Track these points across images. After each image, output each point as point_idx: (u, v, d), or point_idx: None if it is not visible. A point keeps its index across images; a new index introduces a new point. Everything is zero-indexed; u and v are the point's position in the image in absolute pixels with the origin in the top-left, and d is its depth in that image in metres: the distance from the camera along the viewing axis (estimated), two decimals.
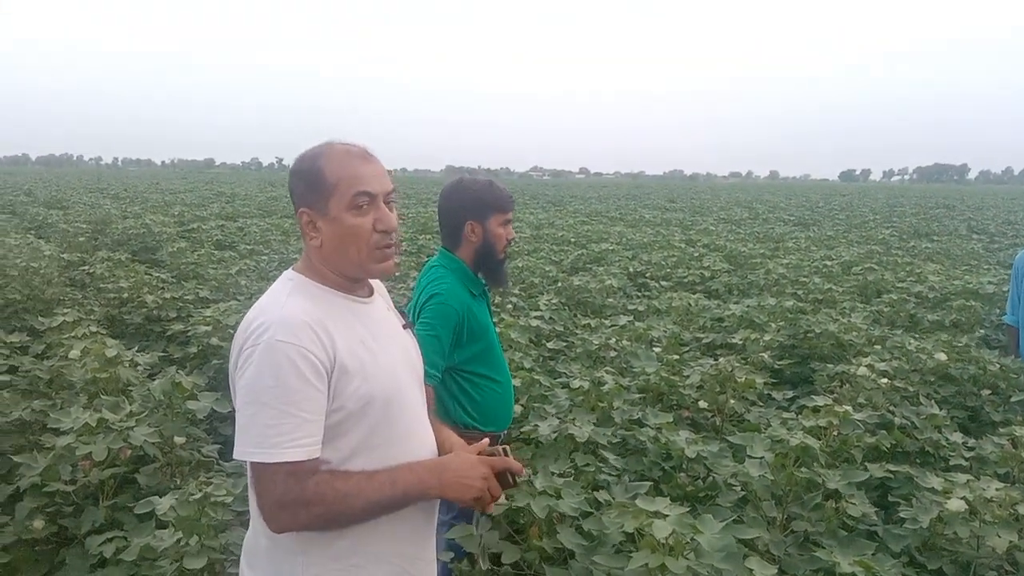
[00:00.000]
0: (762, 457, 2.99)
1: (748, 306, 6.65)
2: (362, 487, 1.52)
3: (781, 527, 2.90)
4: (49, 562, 3.19)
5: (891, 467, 3.30)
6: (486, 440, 1.86)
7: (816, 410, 3.44)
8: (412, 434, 1.69)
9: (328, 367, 1.53)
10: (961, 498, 2.67)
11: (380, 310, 1.77)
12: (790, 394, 4.83)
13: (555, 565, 2.53)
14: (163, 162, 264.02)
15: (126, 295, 7.01)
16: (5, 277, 7.66)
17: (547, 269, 8.97)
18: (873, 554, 2.50)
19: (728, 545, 2.11)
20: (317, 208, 1.61)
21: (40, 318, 6.19)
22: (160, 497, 2.73)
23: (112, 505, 3.19)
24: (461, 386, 2.73)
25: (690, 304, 6.96)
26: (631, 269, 10.02)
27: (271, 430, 1.47)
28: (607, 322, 6.19)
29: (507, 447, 1.76)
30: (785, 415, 3.87)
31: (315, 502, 1.48)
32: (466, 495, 1.62)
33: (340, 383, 1.55)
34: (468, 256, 2.79)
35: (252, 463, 1.51)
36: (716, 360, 4.53)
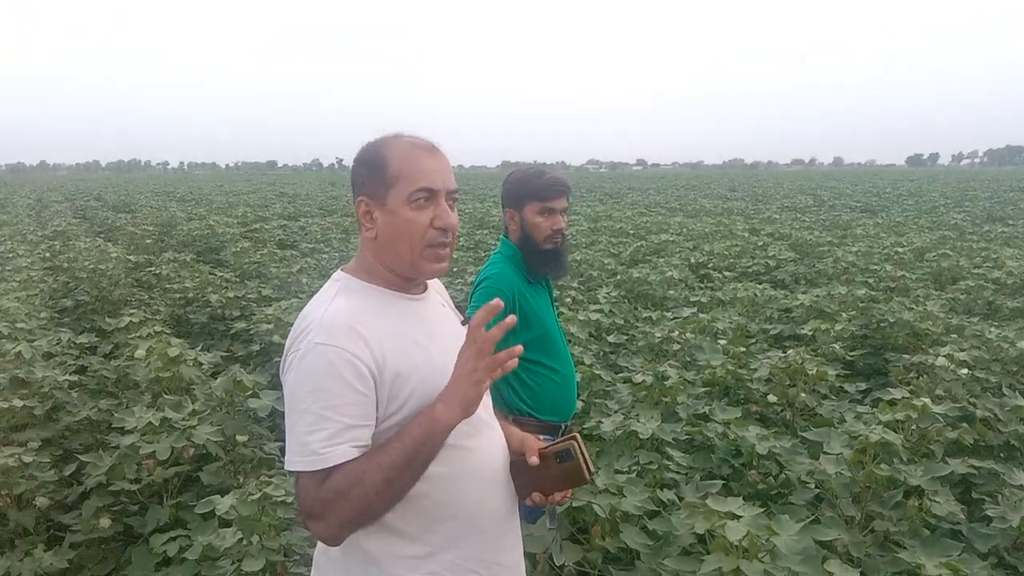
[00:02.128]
0: (839, 453, 2.86)
1: (817, 295, 6.44)
2: (371, 458, 1.43)
3: (860, 527, 2.77)
4: (116, 560, 3.23)
5: (974, 462, 3.14)
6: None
7: (892, 403, 3.29)
8: (478, 432, 1.59)
9: (375, 370, 1.46)
10: None
11: (435, 307, 1.69)
12: (864, 386, 4.65)
13: (619, 566, 2.45)
14: (227, 165, 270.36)
15: (191, 295, 7.14)
16: (75, 279, 7.89)
17: (605, 262, 8.84)
18: (959, 555, 2.36)
19: (807, 547, 2.01)
20: (376, 198, 1.55)
21: (108, 319, 6.35)
22: (222, 496, 2.73)
23: (176, 504, 3.21)
24: (516, 372, 2.67)
25: (756, 294, 6.78)
26: (692, 260, 9.82)
27: (308, 436, 1.41)
28: (669, 314, 6.06)
29: (576, 434, 1.65)
30: (860, 409, 3.71)
31: (334, 499, 1.40)
32: (475, 386, 1.45)
33: (395, 385, 1.48)
34: (517, 244, 2.78)
35: (295, 473, 1.45)
36: (785, 352, 4.38)
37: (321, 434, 1.40)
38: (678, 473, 2.99)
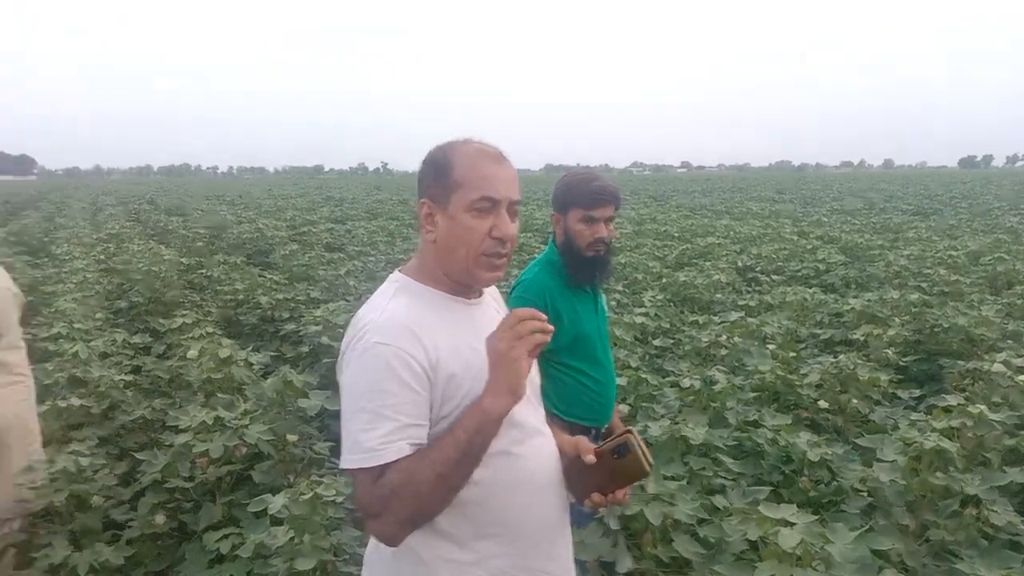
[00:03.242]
0: (893, 461, 2.81)
1: (868, 300, 6.33)
2: (424, 454, 1.43)
3: (915, 536, 2.71)
4: (171, 556, 3.29)
5: None
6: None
7: (948, 410, 3.21)
8: (528, 438, 1.59)
9: (430, 370, 1.47)
10: None
11: (489, 312, 1.69)
12: (917, 393, 4.55)
13: (671, 573, 2.43)
14: (275, 169, 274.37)
15: (241, 297, 7.26)
16: (129, 281, 8.07)
17: (650, 265, 8.79)
18: (1019, 567, 2.30)
19: (862, 556, 1.98)
20: (439, 202, 1.56)
21: (161, 320, 6.49)
22: (274, 495, 2.77)
23: (228, 502, 3.27)
24: (547, 372, 2.66)
25: (805, 299, 6.68)
26: (740, 263, 9.71)
27: (364, 435, 1.43)
28: (716, 318, 6.01)
29: (632, 428, 1.62)
30: (913, 416, 3.64)
31: (389, 497, 1.41)
32: (514, 363, 1.44)
33: (449, 387, 1.49)
34: (560, 248, 2.76)
35: (350, 471, 1.47)
36: (836, 357, 4.31)
37: (377, 432, 1.42)
38: (727, 479, 2.96)
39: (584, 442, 1.66)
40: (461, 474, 1.44)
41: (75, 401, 3.93)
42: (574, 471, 1.64)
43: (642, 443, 1.57)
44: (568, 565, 1.71)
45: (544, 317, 1.47)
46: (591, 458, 1.60)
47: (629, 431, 1.59)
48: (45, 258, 10.90)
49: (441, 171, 1.56)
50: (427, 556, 1.52)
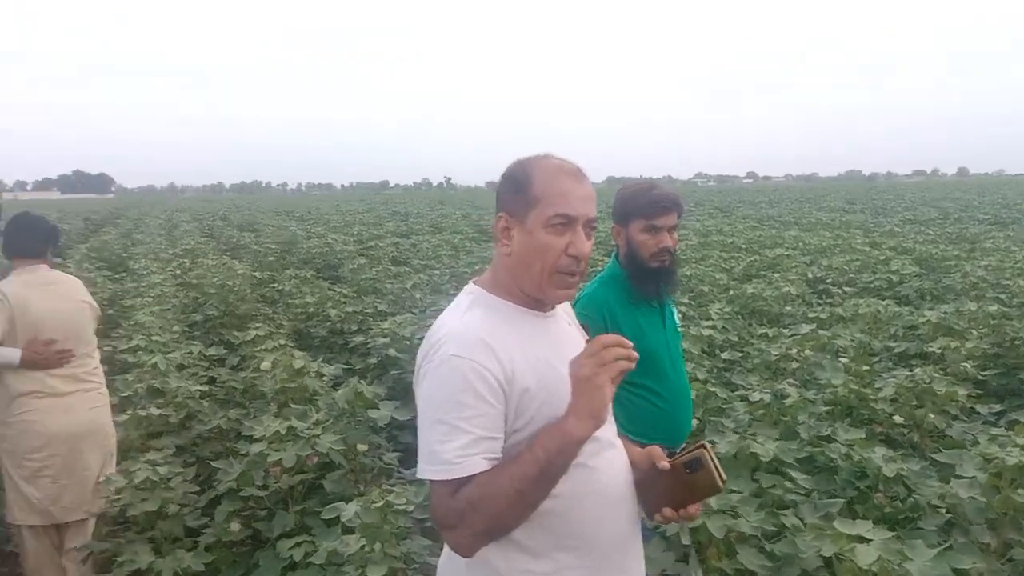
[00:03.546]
0: (972, 477, 2.72)
1: (945, 312, 6.14)
2: (503, 470, 1.44)
3: (998, 555, 2.62)
4: (245, 563, 3.38)
5: None
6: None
7: None
8: (602, 450, 1.58)
9: (505, 384, 1.49)
10: None
11: (562, 326, 1.70)
12: (997, 408, 4.40)
13: None
14: (342, 185, 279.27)
15: (312, 310, 7.41)
16: (204, 295, 8.31)
17: (717, 277, 8.68)
18: None
19: (943, 574, 1.91)
20: (516, 216, 1.58)
21: (235, 332, 6.67)
22: (345, 503, 2.82)
23: (301, 510, 3.34)
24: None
25: (879, 311, 6.51)
26: (810, 275, 9.52)
27: (441, 446, 1.44)
28: (786, 331, 5.90)
29: (706, 442, 1.60)
30: (994, 431, 3.51)
31: (466, 510, 1.42)
32: (598, 390, 1.42)
33: (523, 401, 1.50)
34: (623, 261, 2.72)
35: (428, 481, 1.49)
36: (911, 371, 4.19)
37: (454, 444, 1.44)
38: (799, 494, 2.90)
39: (657, 451, 1.65)
40: (539, 492, 1.44)
41: (154, 410, 4.07)
42: (644, 485, 1.64)
43: (715, 458, 1.56)
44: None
45: (630, 344, 1.46)
46: (665, 464, 1.59)
47: (703, 445, 1.57)
48: (124, 273, 11.30)
49: (520, 186, 1.58)
50: (502, 567, 1.53)
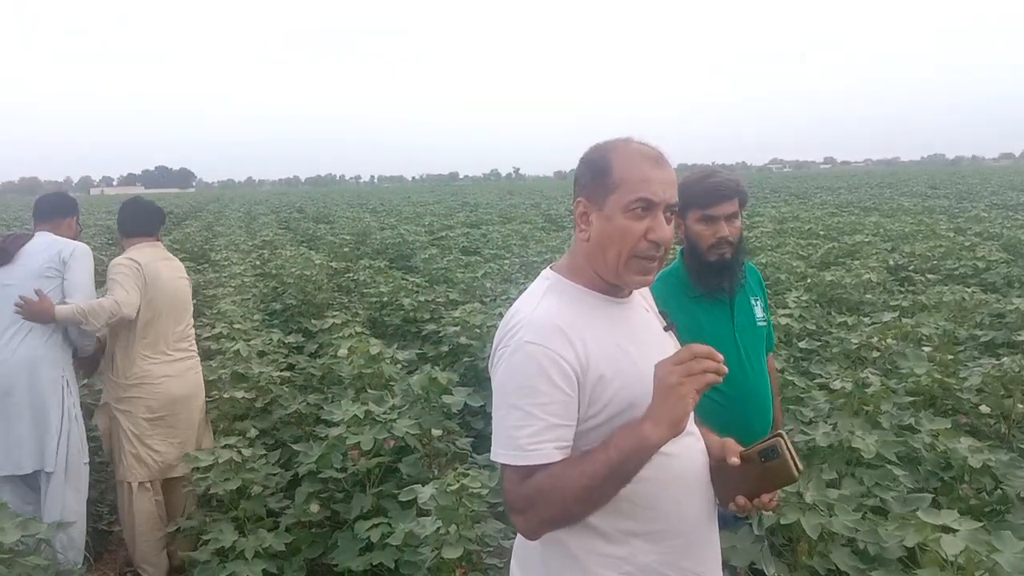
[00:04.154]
0: None
1: None
2: (575, 463, 1.44)
3: None
4: (324, 543, 3.47)
5: None
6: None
7: None
8: (680, 438, 1.51)
9: (579, 371, 1.48)
10: None
11: (639, 312, 1.68)
12: None
13: None
14: (413, 178, 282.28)
15: (386, 299, 7.53)
16: (283, 284, 8.52)
17: (794, 264, 8.48)
18: None
19: None
20: (595, 201, 1.57)
21: (313, 320, 6.83)
22: (421, 486, 2.87)
23: (377, 492, 3.41)
24: None
25: (964, 298, 6.28)
26: (891, 262, 9.24)
27: (516, 431, 1.45)
28: (866, 319, 5.74)
29: (782, 431, 1.58)
30: None
31: (535, 497, 1.43)
32: (680, 400, 1.39)
33: (597, 388, 1.50)
34: (683, 254, 2.61)
35: (500, 464, 1.50)
36: (999, 360, 4.04)
37: (527, 430, 1.45)
38: (893, 489, 2.82)
39: (731, 443, 1.64)
40: (608, 490, 1.44)
41: (238, 394, 4.20)
42: (720, 473, 1.62)
43: (792, 447, 1.54)
44: (716, 567, 1.68)
45: (720, 357, 1.42)
46: (735, 460, 1.57)
47: (779, 434, 1.56)
48: (206, 264, 11.65)
49: (599, 171, 1.56)
50: (577, 549, 1.54)
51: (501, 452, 1.48)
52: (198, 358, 4.04)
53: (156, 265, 3.80)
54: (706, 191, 2.48)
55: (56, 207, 3.89)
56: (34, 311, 3.44)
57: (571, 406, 1.48)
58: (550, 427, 1.45)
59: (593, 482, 1.41)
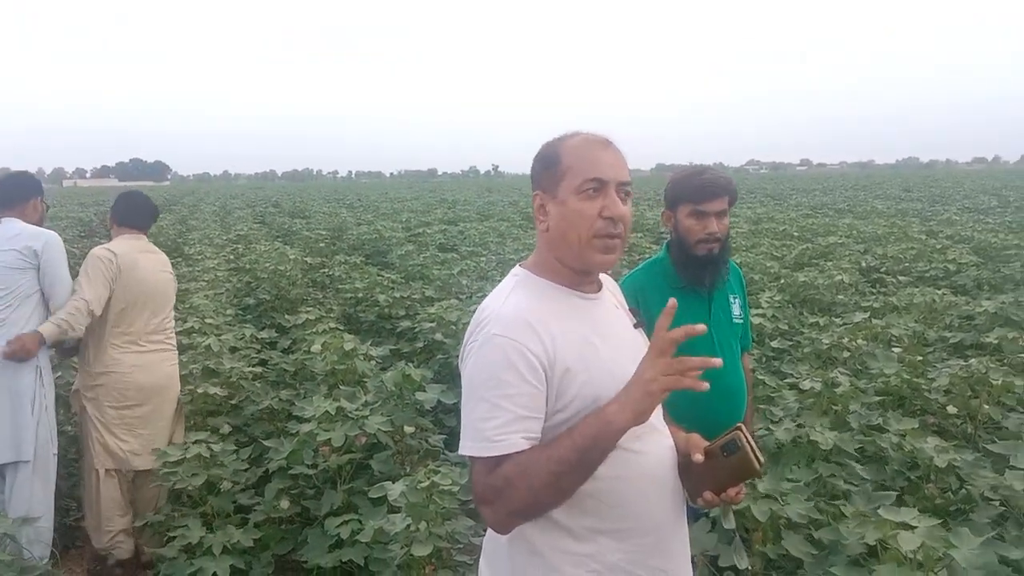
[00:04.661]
0: None
1: (1003, 302, 5.97)
2: (541, 450, 1.44)
3: None
4: (294, 540, 3.45)
5: None
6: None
7: None
8: (646, 435, 1.57)
9: (547, 364, 1.49)
10: None
11: (608, 307, 1.70)
12: None
13: (782, 573, 2.39)
14: (391, 173, 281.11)
15: (361, 295, 7.50)
16: (257, 279, 8.46)
17: (768, 265, 8.56)
18: None
19: (989, 563, 1.88)
20: (549, 191, 1.60)
21: (287, 316, 6.80)
22: (392, 483, 2.86)
23: (348, 489, 3.40)
24: None
25: (934, 300, 6.36)
26: (863, 263, 9.35)
27: (483, 423, 1.46)
28: (838, 320, 5.80)
29: (741, 424, 1.59)
30: None
31: (503, 487, 1.43)
32: (648, 395, 1.41)
33: (564, 381, 1.51)
34: (671, 247, 2.68)
35: (468, 457, 1.51)
36: (967, 361, 4.10)
37: (495, 422, 1.45)
38: (853, 484, 2.86)
39: (695, 439, 1.64)
40: (575, 477, 1.44)
41: (210, 389, 4.17)
42: (687, 469, 1.63)
43: (752, 439, 1.55)
44: (684, 563, 1.69)
45: (711, 364, 1.42)
46: (699, 457, 1.57)
47: (739, 427, 1.57)
48: (179, 258, 11.54)
49: (550, 162, 1.60)
50: (543, 546, 1.54)
51: (469, 445, 1.49)
52: (175, 351, 4.06)
53: (134, 256, 3.86)
54: (698, 187, 2.58)
55: (19, 190, 3.80)
56: (27, 348, 3.45)
57: (539, 399, 1.49)
58: (518, 419, 1.46)
59: (560, 467, 1.42)
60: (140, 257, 3.90)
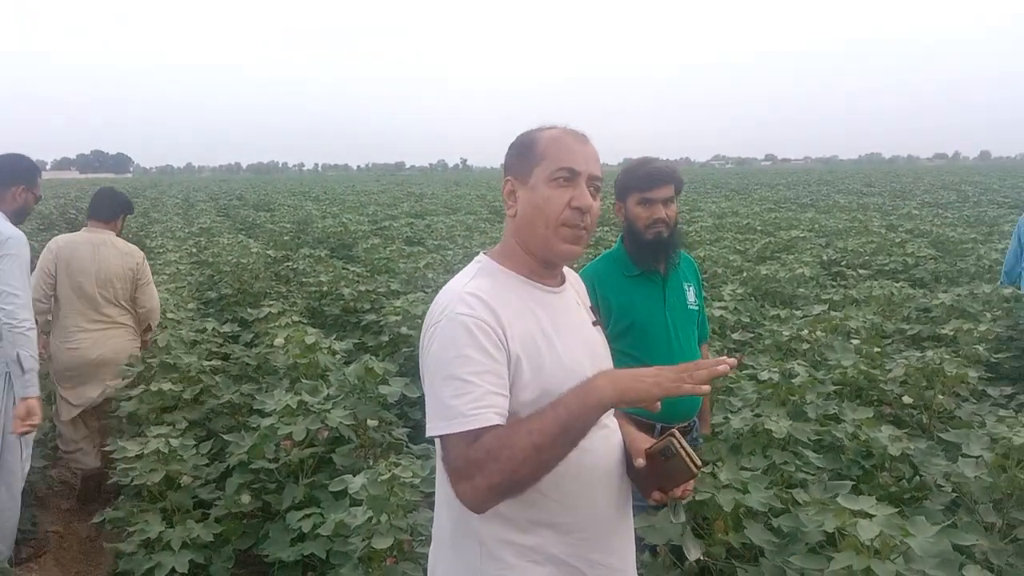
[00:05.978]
0: (979, 456, 2.71)
1: (959, 295, 6.08)
2: (523, 422, 1.43)
3: (1001, 534, 2.62)
4: (255, 534, 3.43)
5: None
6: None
7: None
8: (591, 431, 1.53)
9: (506, 342, 1.51)
10: None
11: (569, 302, 1.70)
12: (1009, 390, 4.37)
13: (743, 562, 2.42)
14: (358, 166, 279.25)
15: (325, 288, 7.44)
16: (219, 273, 8.37)
17: (731, 258, 8.64)
18: None
19: (943, 551, 1.92)
20: (520, 177, 1.62)
21: (249, 310, 6.73)
22: (354, 476, 2.85)
23: (310, 483, 3.38)
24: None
25: (892, 293, 6.47)
26: (825, 257, 9.48)
27: (455, 400, 1.45)
28: (798, 313, 5.88)
29: (675, 430, 1.61)
30: (1003, 412, 3.50)
31: (483, 460, 1.41)
32: (644, 391, 1.43)
33: (516, 369, 1.51)
34: (623, 235, 2.82)
35: (439, 437, 1.49)
36: (923, 353, 4.18)
37: (467, 397, 1.44)
38: (807, 473, 2.91)
39: (639, 442, 1.68)
40: (558, 449, 1.43)
41: (165, 386, 4.11)
42: (633, 469, 1.66)
43: (685, 444, 1.58)
44: (628, 557, 1.71)
45: (727, 366, 1.45)
46: (640, 462, 1.62)
47: (672, 433, 1.60)
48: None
49: (525, 148, 1.62)
50: (487, 536, 1.55)
51: (441, 425, 1.46)
52: (128, 327, 4.66)
53: (75, 246, 4.48)
54: (644, 176, 2.73)
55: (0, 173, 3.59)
56: (34, 417, 3.44)
57: (502, 374, 1.49)
58: (488, 394, 1.45)
59: (543, 439, 1.40)
60: (85, 249, 4.47)
